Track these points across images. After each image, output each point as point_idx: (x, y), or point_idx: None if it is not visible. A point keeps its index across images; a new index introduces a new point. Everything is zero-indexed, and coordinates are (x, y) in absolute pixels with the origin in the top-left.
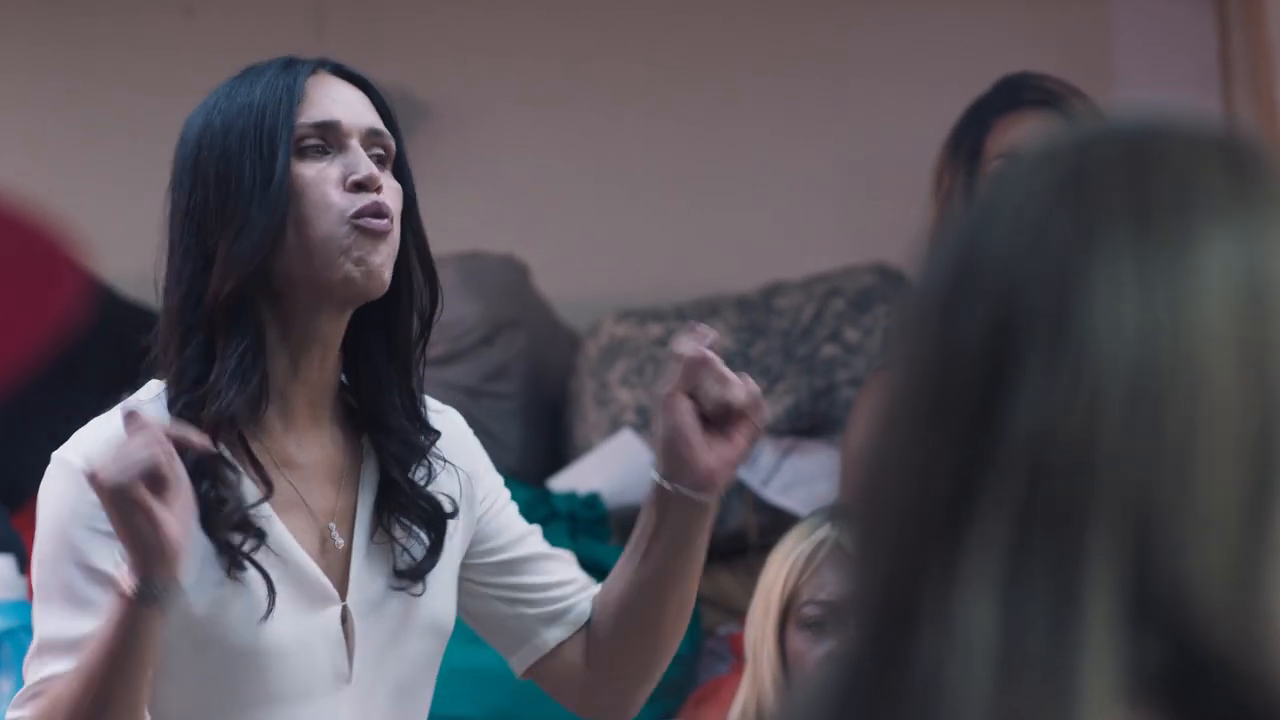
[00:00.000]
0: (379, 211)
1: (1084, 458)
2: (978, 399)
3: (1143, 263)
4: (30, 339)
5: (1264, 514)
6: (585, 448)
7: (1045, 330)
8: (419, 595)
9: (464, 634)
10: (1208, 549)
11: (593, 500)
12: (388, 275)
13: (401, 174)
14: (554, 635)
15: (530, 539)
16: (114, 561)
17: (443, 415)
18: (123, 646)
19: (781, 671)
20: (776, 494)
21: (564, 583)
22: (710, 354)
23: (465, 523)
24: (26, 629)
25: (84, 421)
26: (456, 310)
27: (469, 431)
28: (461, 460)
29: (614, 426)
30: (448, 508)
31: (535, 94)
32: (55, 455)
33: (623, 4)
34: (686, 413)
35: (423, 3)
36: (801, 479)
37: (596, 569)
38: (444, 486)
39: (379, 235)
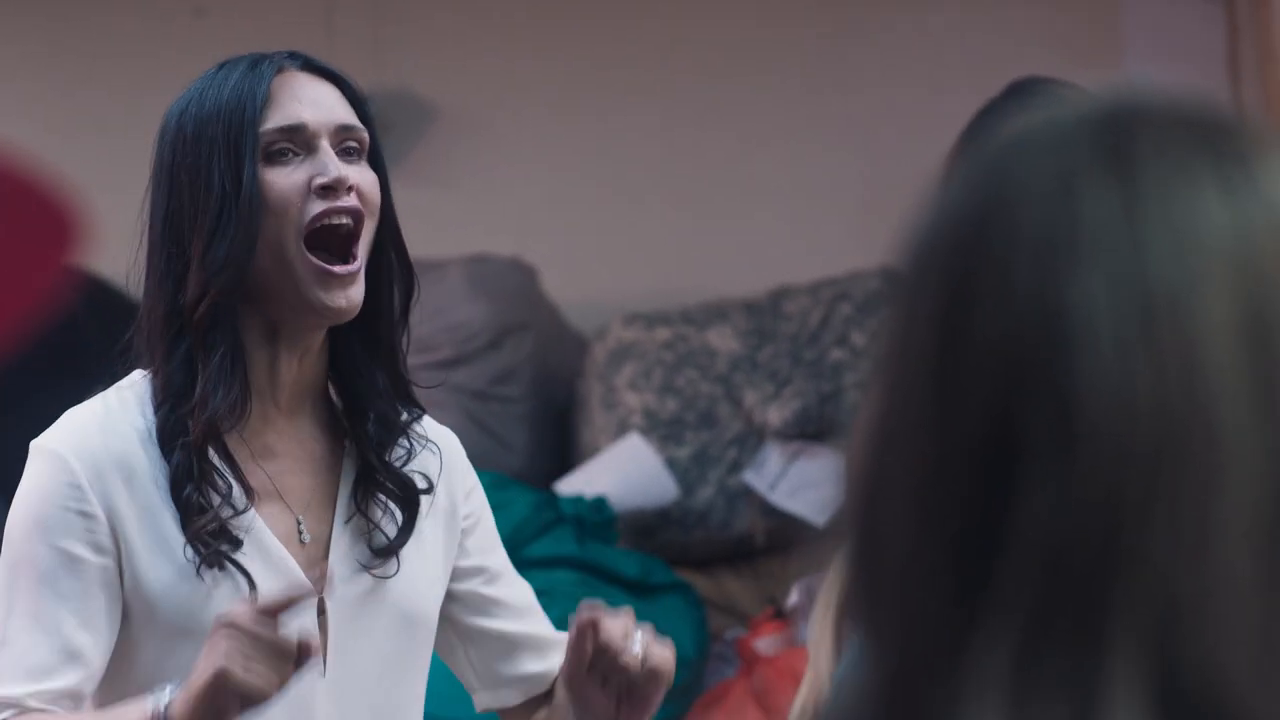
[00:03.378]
0: (343, 216)
1: (1103, 556)
2: (980, 478)
3: (1148, 321)
4: (19, 313)
5: None
6: (592, 451)
7: (1051, 410)
8: (392, 575)
9: None
10: (1237, 643)
11: (600, 504)
12: (356, 300)
13: (376, 163)
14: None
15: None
16: (85, 544)
17: (442, 436)
18: None
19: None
20: (784, 498)
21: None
22: (599, 624)
23: (448, 533)
24: None
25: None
26: (464, 313)
27: (463, 454)
28: (456, 482)
29: (621, 430)
30: (421, 485)
31: (544, 97)
32: (34, 444)
33: (631, 8)
34: (586, 684)
35: (432, 5)
36: (809, 483)
37: (604, 572)
38: (422, 466)
39: (336, 278)
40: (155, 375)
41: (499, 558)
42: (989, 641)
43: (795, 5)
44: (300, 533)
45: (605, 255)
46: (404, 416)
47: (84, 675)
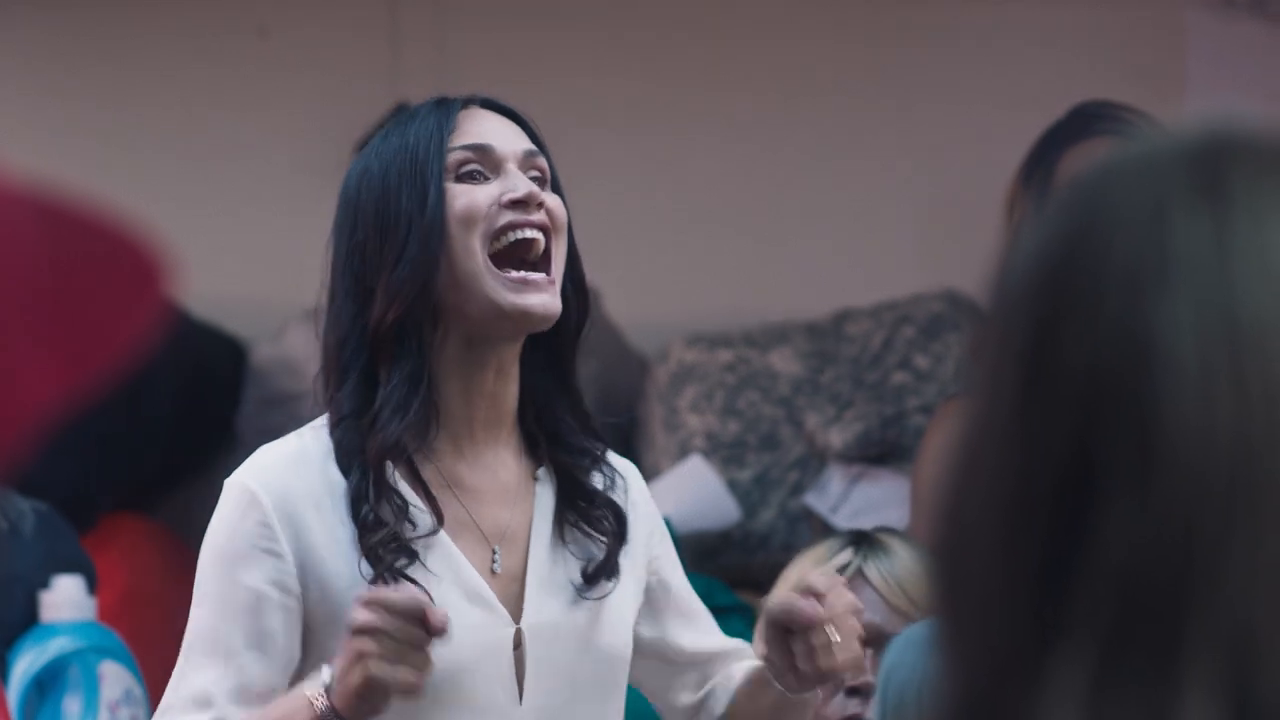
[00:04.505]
0: (531, 230)
1: (1179, 586)
2: (1062, 506)
3: (1234, 350)
4: (108, 357)
5: None
6: (654, 473)
7: (1133, 437)
8: (605, 597)
9: None
10: None
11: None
12: (552, 309)
13: (559, 193)
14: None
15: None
16: (270, 582)
17: (627, 470)
18: None
19: None
20: (845, 521)
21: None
22: (815, 613)
23: (634, 570)
24: (95, 649)
25: (152, 444)
26: None
27: (645, 488)
28: (640, 518)
29: (683, 452)
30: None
31: (606, 118)
32: (227, 480)
33: (695, 29)
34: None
35: (498, 25)
36: (871, 506)
37: None
38: (616, 498)
39: (530, 283)
40: (328, 404)
41: (685, 593)
42: (1067, 667)
43: (858, 26)
44: (494, 563)
45: (666, 277)
46: (593, 446)
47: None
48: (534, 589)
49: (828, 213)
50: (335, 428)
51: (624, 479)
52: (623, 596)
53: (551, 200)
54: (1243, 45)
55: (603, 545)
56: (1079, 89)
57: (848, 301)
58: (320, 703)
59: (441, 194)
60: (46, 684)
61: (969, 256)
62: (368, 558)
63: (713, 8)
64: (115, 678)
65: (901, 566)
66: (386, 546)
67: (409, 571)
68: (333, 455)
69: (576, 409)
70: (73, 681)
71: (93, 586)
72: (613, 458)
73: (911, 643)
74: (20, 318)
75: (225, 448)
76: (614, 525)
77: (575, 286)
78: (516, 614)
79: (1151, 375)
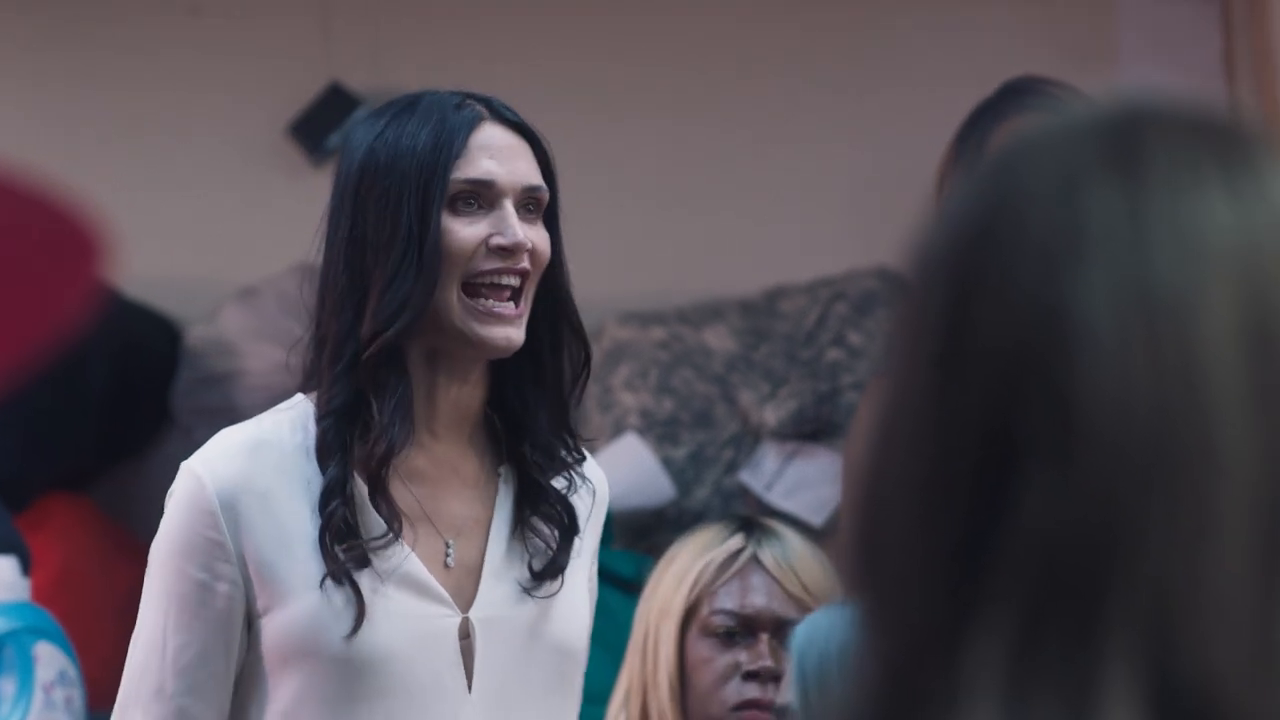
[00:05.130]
0: (511, 279)
1: (1099, 559)
2: (980, 482)
3: (1150, 321)
4: (38, 333)
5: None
6: (589, 451)
7: (1051, 409)
8: (555, 593)
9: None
10: (1232, 642)
11: None
12: (515, 342)
13: (552, 221)
14: None
15: None
16: (212, 571)
17: (599, 480)
18: None
19: (678, 675)
20: (780, 498)
21: None
22: None
23: (588, 574)
24: (29, 630)
25: (86, 423)
26: None
27: (607, 497)
28: (594, 526)
29: (617, 430)
30: (579, 521)
31: (537, 97)
32: (183, 464)
33: (624, 7)
34: None
35: (427, 6)
36: (805, 483)
37: (601, 572)
38: (577, 503)
39: (496, 316)
40: (321, 393)
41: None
42: (986, 638)
43: (793, 6)
44: (448, 555)
45: (599, 255)
46: (564, 454)
47: (198, 704)
48: (488, 581)
49: (761, 190)
50: (322, 420)
51: (594, 489)
52: (579, 594)
53: (539, 238)
54: (1174, 22)
55: (553, 544)
56: (1012, 67)
57: (782, 278)
58: None
59: (439, 225)
60: None
61: (903, 233)
62: (325, 556)
63: None
64: (50, 659)
65: (794, 552)
66: (347, 552)
67: (361, 572)
68: (304, 444)
69: (558, 418)
70: (7, 663)
71: (27, 567)
72: (589, 468)
73: (819, 625)
74: None
75: (161, 428)
76: (566, 525)
77: (568, 323)
78: (468, 605)
79: (1068, 349)
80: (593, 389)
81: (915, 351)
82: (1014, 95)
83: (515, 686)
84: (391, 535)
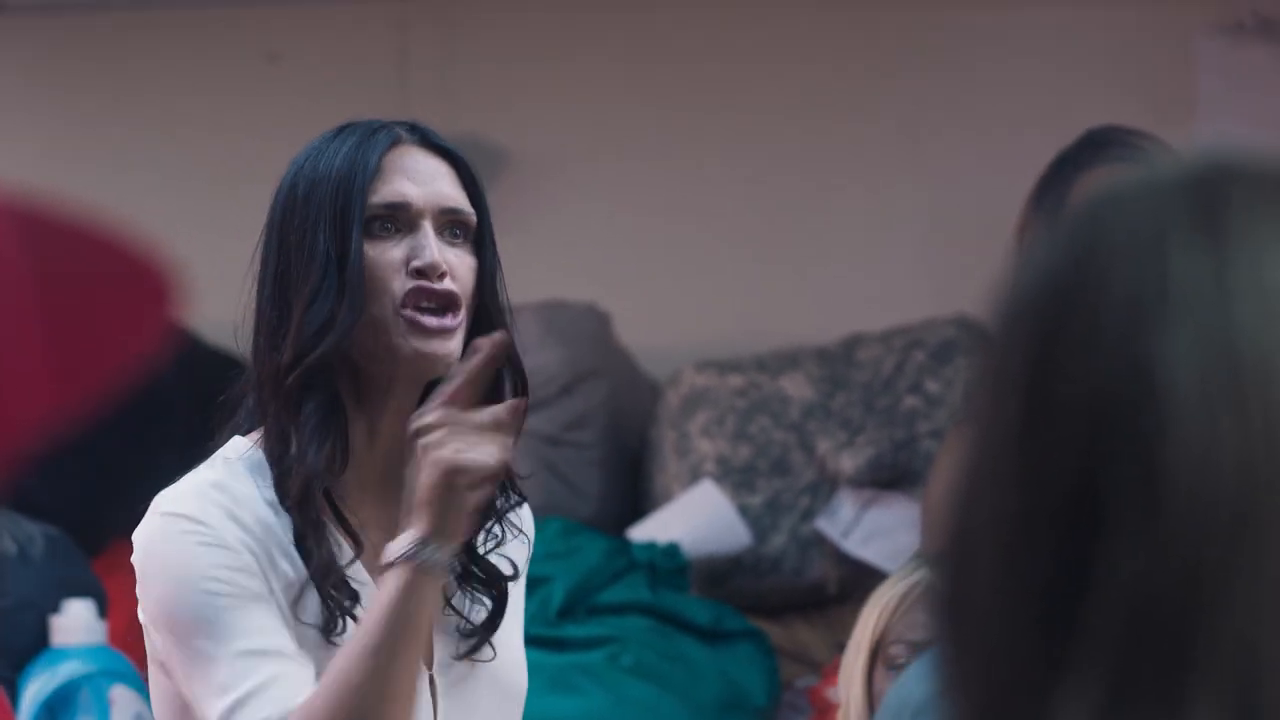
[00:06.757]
0: (437, 302)
1: (1185, 615)
2: (1066, 536)
3: (1235, 379)
4: (106, 374)
5: None
6: (665, 498)
7: (1136, 468)
8: (489, 661)
9: (541, 683)
10: None
11: (672, 550)
12: (453, 355)
13: (481, 247)
14: None
15: None
16: (235, 571)
17: (529, 525)
18: (406, 615)
19: (867, 713)
20: (856, 546)
21: None
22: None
23: (520, 604)
24: (105, 673)
25: (162, 467)
26: (538, 359)
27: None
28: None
29: (694, 477)
30: (508, 570)
31: (617, 142)
32: (161, 511)
33: (704, 53)
34: None
35: (507, 49)
36: (882, 531)
37: (676, 619)
38: (510, 552)
39: (432, 331)
40: (267, 436)
41: None
42: (1072, 698)
43: (869, 51)
44: None
45: (678, 302)
46: (499, 503)
47: (294, 659)
48: (439, 637)
49: (839, 237)
50: (274, 465)
51: (526, 537)
52: (517, 635)
53: (460, 264)
54: (1252, 69)
55: (484, 604)
56: (1090, 112)
57: (859, 326)
58: (408, 550)
59: (360, 248)
60: (57, 708)
61: (980, 281)
62: (324, 599)
63: (724, 34)
64: (126, 702)
65: None
66: (340, 589)
67: (356, 610)
68: (259, 489)
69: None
70: (83, 706)
71: (104, 610)
72: (523, 513)
73: (910, 684)
74: (3, 331)
75: None
76: (490, 585)
77: (509, 362)
78: (429, 661)
79: (1154, 405)
80: (670, 435)
81: (999, 403)
82: (1096, 146)
83: None
84: (357, 556)
